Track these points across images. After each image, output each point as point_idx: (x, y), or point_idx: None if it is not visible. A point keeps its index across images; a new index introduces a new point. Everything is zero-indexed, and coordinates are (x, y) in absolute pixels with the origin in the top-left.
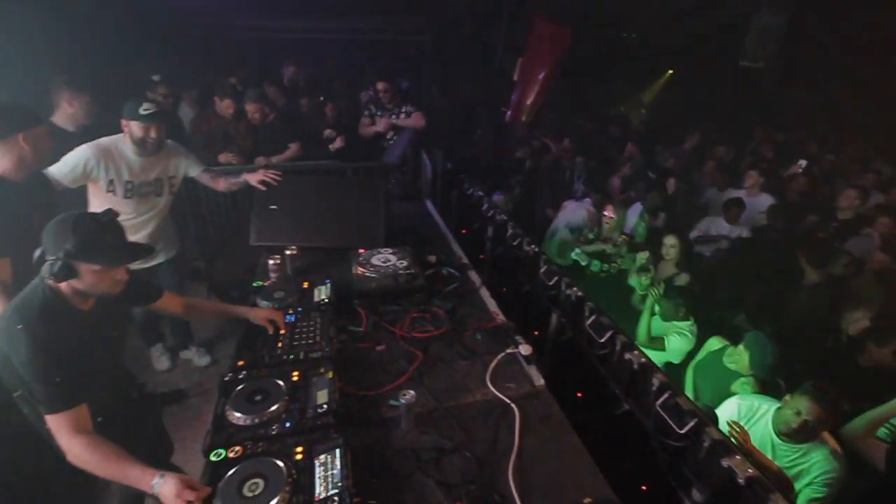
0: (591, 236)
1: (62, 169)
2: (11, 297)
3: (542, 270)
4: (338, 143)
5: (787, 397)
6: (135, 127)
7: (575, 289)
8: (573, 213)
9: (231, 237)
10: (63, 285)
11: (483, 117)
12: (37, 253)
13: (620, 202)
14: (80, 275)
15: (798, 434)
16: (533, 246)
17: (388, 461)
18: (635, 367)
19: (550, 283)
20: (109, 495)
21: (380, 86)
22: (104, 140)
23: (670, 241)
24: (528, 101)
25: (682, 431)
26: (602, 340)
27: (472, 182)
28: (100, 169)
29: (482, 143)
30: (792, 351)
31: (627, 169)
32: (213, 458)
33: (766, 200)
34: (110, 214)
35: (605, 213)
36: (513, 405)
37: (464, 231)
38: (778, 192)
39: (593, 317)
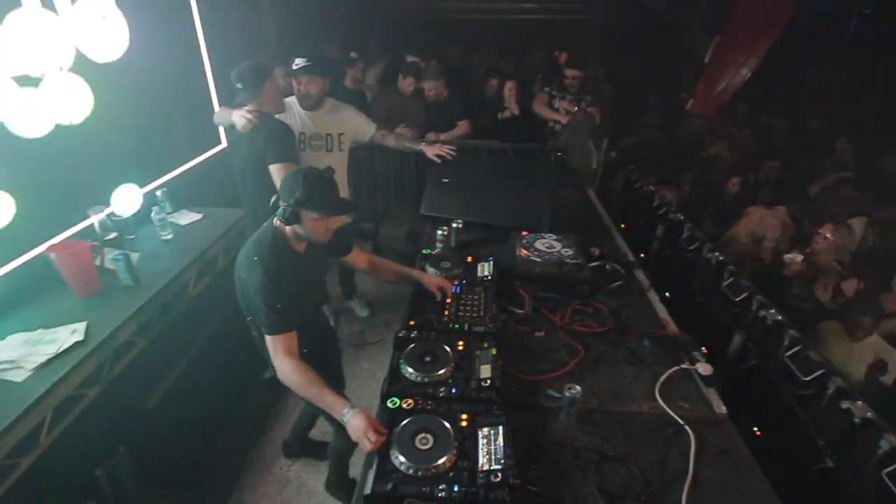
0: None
1: None
2: None
3: (726, 283)
4: (507, 113)
5: None
6: (293, 82)
7: (773, 311)
8: (760, 221)
9: (394, 204)
10: (287, 228)
11: (656, 104)
12: (273, 199)
13: (840, 219)
14: (301, 221)
15: None
16: (717, 253)
17: (545, 451)
18: (856, 420)
19: (737, 300)
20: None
21: (572, 73)
22: (289, 98)
23: None
24: (720, 88)
25: None
26: (807, 379)
27: (642, 174)
28: None
29: (653, 132)
30: None
31: (834, 178)
32: (389, 404)
33: None
34: (330, 171)
35: (822, 232)
36: (687, 427)
37: (623, 226)
38: None
39: (796, 348)
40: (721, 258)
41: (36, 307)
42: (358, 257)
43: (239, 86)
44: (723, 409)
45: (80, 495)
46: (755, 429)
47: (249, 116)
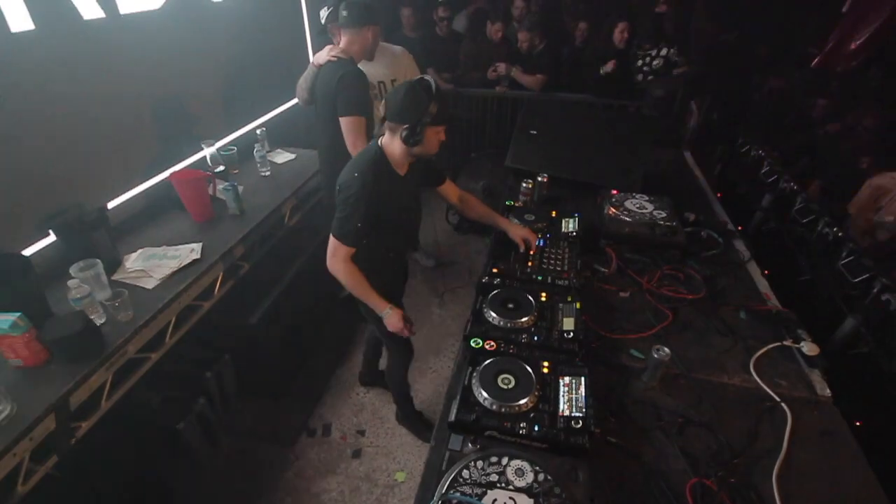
0: None
1: None
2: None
3: (843, 261)
4: (610, 67)
5: None
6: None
7: None
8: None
9: (474, 155)
10: (397, 149)
11: (770, 59)
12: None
13: None
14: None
15: None
16: (835, 229)
17: (626, 408)
18: None
19: (854, 280)
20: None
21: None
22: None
23: None
24: (858, 43)
25: None
26: None
27: (752, 139)
28: None
29: (766, 92)
30: None
31: None
32: (472, 344)
33: None
34: (427, 81)
35: None
36: (784, 405)
37: (719, 195)
38: None
39: None
40: (840, 234)
41: (161, 227)
42: (450, 189)
43: (344, 13)
44: (827, 392)
45: (192, 392)
46: (857, 421)
47: (331, 56)
